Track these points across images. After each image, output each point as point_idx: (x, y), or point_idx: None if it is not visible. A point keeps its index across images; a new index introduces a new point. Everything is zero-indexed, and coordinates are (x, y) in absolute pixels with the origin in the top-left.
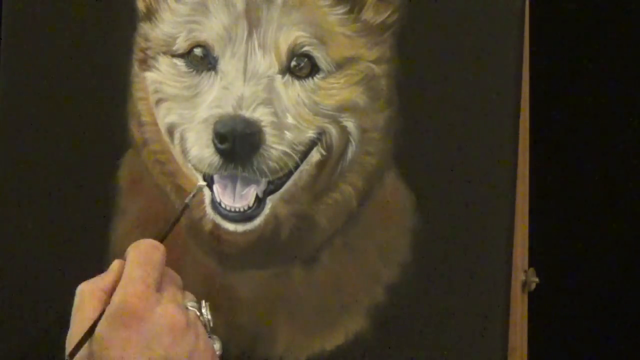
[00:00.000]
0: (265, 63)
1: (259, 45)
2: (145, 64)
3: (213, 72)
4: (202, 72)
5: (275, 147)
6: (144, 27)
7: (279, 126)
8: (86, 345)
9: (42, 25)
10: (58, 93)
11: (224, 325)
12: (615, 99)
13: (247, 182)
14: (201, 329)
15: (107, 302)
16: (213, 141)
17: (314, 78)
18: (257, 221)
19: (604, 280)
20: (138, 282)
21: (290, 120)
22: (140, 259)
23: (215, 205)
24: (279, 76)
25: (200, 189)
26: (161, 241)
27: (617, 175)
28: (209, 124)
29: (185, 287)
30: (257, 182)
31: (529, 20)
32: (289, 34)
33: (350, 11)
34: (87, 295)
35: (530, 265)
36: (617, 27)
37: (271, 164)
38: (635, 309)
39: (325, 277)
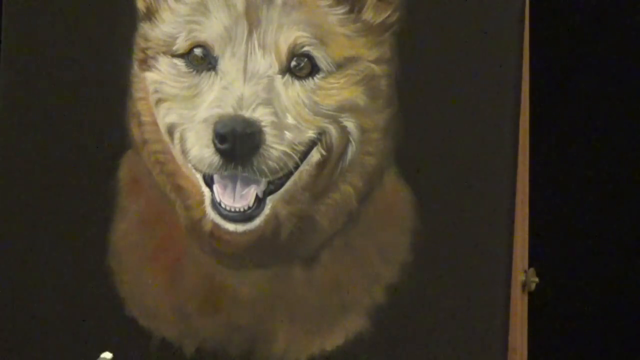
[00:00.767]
0: (265, 63)
1: (259, 45)
2: (145, 64)
3: (213, 72)
4: (202, 72)
5: (275, 147)
6: (144, 27)
7: (279, 126)
8: None
9: (42, 25)
10: (58, 93)
11: (224, 325)
12: (615, 99)
13: (247, 182)
14: None
15: None
16: (213, 141)
17: (314, 78)
18: (257, 221)
19: (604, 280)
20: None
21: (290, 120)
22: None
23: (216, 205)
24: (279, 76)
25: None
26: None
27: (617, 175)
28: (209, 124)
29: (185, 287)
30: (257, 182)
31: (529, 20)
32: (289, 34)
33: (350, 11)
34: None
35: (530, 265)
36: (617, 27)
37: (271, 164)
38: (635, 309)
39: (325, 277)
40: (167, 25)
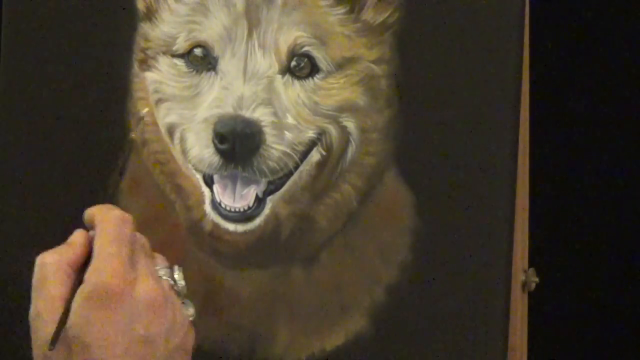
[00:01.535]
0: (265, 63)
1: (259, 45)
2: (145, 64)
3: (213, 72)
4: (202, 72)
5: (275, 147)
6: (144, 27)
7: (279, 126)
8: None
9: (42, 25)
10: (58, 93)
11: (224, 325)
12: (615, 99)
13: (247, 182)
14: (176, 300)
15: (75, 278)
16: (213, 141)
17: (314, 78)
18: (257, 221)
19: (604, 280)
20: (113, 260)
21: (290, 120)
22: (111, 234)
23: (216, 205)
24: (279, 76)
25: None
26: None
27: (617, 175)
28: (209, 124)
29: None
30: (257, 182)
31: (529, 20)
32: (289, 34)
33: (350, 11)
34: (51, 269)
35: (530, 265)
36: (617, 27)
37: (271, 164)
38: (635, 309)
39: (325, 277)
40: (167, 25)
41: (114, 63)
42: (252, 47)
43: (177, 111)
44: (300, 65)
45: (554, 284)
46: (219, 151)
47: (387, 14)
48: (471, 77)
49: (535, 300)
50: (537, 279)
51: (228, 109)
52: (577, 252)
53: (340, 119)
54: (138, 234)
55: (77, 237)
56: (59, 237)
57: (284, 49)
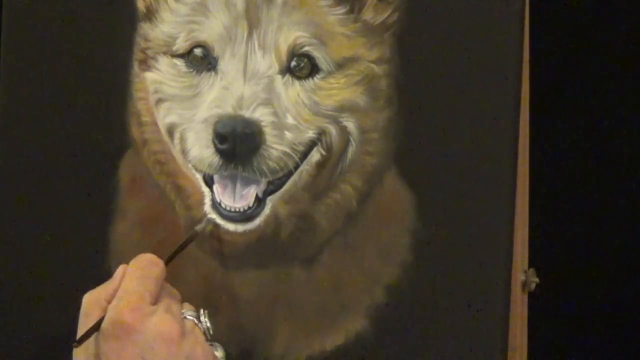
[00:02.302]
0: (265, 63)
1: (259, 45)
2: (145, 64)
3: (213, 72)
4: (202, 72)
5: (275, 147)
6: (144, 27)
7: (279, 126)
8: (83, 358)
9: (42, 25)
10: (58, 93)
11: (224, 325)
12: (615, 98)
13: (247, 182)
14: (200, 336)
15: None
16: (213, 141)
17: (314, 78)
18: (257, 221)
19: (604, 280)
20: (133, 295)
21: (290, 120)
22: (137, 272)
23: (216, 205)
24: (279, 76)
25: (210, 222)
26: (166, 264)
27: (617, 175)
28: (209, 124)
29: (185, 287)
30: (257, 182)
31: (529, 20)
32: (289, 34)
33: (350, 11)
34: (92, 305)
35: (530, 265)
36: (617, 27)
37: (271, 164)
38: (635, 309)
39: (325, 277)
40: (167, 25)
41: (114, 63)
42: (252, 47)
43: (177, 111)
44: (300, 65)
45: (554, 284)
46: (219, 151)
47: (387, 14)
48: (471, 77)
49: (535, 300)
50: (537, 279)
51: (228, 109)
52: (577, 252)
53: (340, 119)
54: (171, 287)
55: (119, 271)
56: (59, 237)
57: (284, 49)
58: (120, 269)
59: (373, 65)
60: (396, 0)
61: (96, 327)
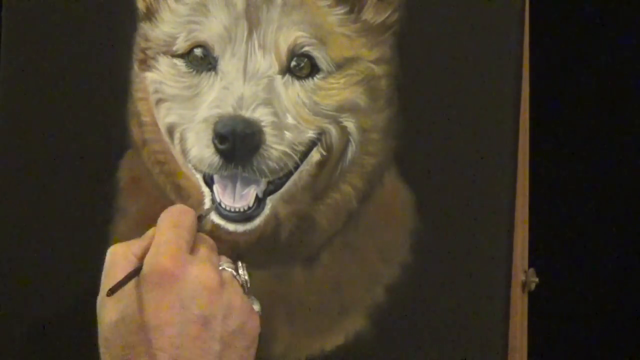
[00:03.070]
0: (265, 63)
1: (259, 45)
2: (145, 64)
3: (213, 72)
4: (202, 72)
5: (275, 147)
6: (144, 27)
7: (279, 126)
8: (117, 309)
9: (42, 25)
10: (58, 93)
11: None
12: (615, 98)
13: (247, 183)
14: (238, 287)
15: (137, 264)
16: (213, 141)
17: (314, 78)
18: (257, 221)
19: (604, 280)
20: (169, 244)
21: (290, 120)
22: (170, 222)
23: (216, 205)
24: (279, 76)
25: (209, 211)
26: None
27: (617, 175)
28: (209, 124)
29: None
30: (257, 182)
31: (529, 20)
32: (289, 34)
33: (350, 11)
34: (119, 258)
35: (530, 265)
36: (617, 27)
37: (271, 164)
38: (635, 309)
39: (325, 277)
40: (167, 26)
41: (114, 63)
42: (252, 47)
43: (177, 111)
44: (300, 65)
45: (554, 284)
46: (219, 151)
47: (387, 14)
48: (471, 77)
49: (535, 300)
50: (537, 279)
51: (228, 109)
52: (577, 252)
53: (340, 119)
54: (206, 236)
55: (149, 232)
56: (59, 237)
57: (284, 49)
58: (150, 230)
59: (373, 65)
60: (396, 0)
61: (133, 275)
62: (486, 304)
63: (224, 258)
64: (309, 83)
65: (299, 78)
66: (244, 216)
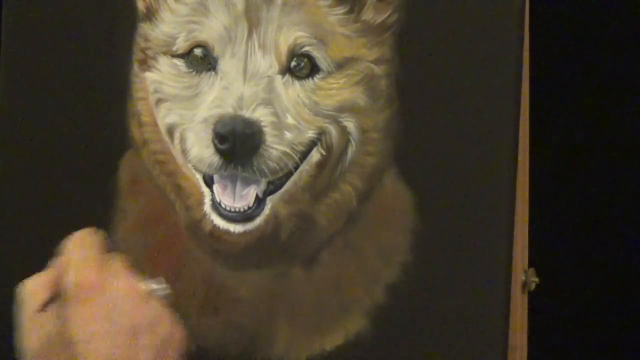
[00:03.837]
0: (265, 63)
1: (259, 45)
2: (145, 64)
3: (213, 72)
4: (202, 72)
5: (275, 147)
6: (144, 27)
7: (279, 126)
8: (41, 335)
9: (42, 25)
10: (58, 93)
11: (224, 325)
12: (615, 98)
13: (247, 182)
14: (157, 299)
15: (54, 291)
16: (213, 141)
17: (314, 78)
18: (257, 221)
19: (604, 280)
20: (81, 262)
21: (290, 120)
22: (76, 243)
23: (215, 205)
24: (279, 76)
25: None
26: None
27: (617, 175)
28: (209, 124)
29: (185, 287)
30: (257, 182)
31: (529, 20)
32: (289, 34)
33: (350, 11)
34: (34, 288)
35: (530, 265)
36: (617, 27)
37: (271, 164)
38: (635, 309)
39: (325, 277)
40: (167, 26)
41: (114, 63)
42: (252, 47)
43: (177, 111)
44: (300, 65)
45: (554, 284)
46: (219, 151)
47: (387, 14)
48: (471, 77)
49: (535, 300)
50: (537, 279)
51: (228, 109)
52: (577, 252)
53: (340, 119)
54: (117, 254)
55: (52, 263)
56: (60, 237)
57: (284, 49)
58: (54, 262)
59: (373, 65)
60: (396, 0)
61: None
62: (486, 304)
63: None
64: (309, 83)
65: (299, 78)
66: (244, 216)
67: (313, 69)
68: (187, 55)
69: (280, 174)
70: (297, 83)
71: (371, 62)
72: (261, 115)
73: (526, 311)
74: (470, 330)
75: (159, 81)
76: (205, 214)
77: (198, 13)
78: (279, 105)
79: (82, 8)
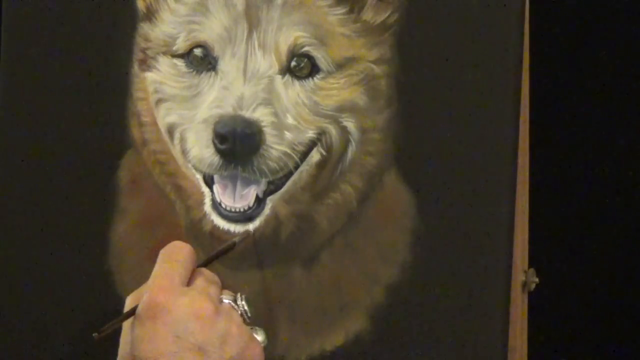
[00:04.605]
0: (265, 63)
1: (259, 45)
2: (145, 64)
3: (213, 72)
4: (202, 72)
5: (275, 147)
6: (144, 27)
7: (279, 126)
8: (123, 347)
9: (42, 25)
10: (58, 93)
11: None
12: (615, 98)
13: (247, 183)
14: (235, 316)
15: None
16: (213, 141)
17: (314, 78)
18: (257, 221)
19: (604, 280)
20: (162, 277)
21: (290, 120)
22: (164, 257)
23: (216, 205)
24: (279, 76)
25: (249, 234)
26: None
27: (617, 175)
28: (209, 124)
29: None
30: (257, 183)
31: (529, 20)
32: (289, 34)
33: (350, 11)
34: (130, 305)
35: (530, 265)
36: (617, 27)
37: (271, 164)
38: (635, 309)
39: (325, 277)
40: (167, 26)
41: (114, 63)
42: (252, 47)
43: (177, 111)
44: (300, 65)
45: (554, 284)
46: (219, 151)
47: (387, 14)
48: (471, 77)
49: (535, 300)
50: (537, 279)
51: (228, 109)
52: (577, 252)
53: (340, 119)
54: (209, 272)
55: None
56: (59, 237)
57: (284, 49)
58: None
59: (373, 65)
60: (396, 0)
61: (123, 318)
62: (486, 304)
63: (225, 291)
64: (309, 83)
65: (299, 78)
66: (244, 216)
67: (313, 69)
68: (187, 55)
69: (281, 174)
70: (297, 83)
71: (371, 62)
72: (261, 115)
73: (526, 311)
74: (470, 330)
75: (159, 81)
76: (205, 214)
77: (198, 13)
78: (279, 106)
79: (82, 8)
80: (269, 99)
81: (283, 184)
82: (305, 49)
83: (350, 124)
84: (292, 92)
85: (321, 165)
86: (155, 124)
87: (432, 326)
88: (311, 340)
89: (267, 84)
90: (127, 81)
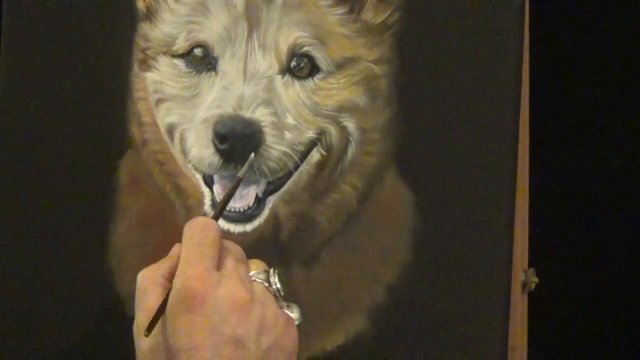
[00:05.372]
0: (265, 63)
1: (259, 45)
2: (145, 64)
3: (213, 72)
4: (202, 72)
5: (275, 147)
6: (144, 27)
7: (279, 126)
8: (153, 335)
9: (42, 25)
10: (58, 93)
11: None
12: (615, 98)
13: (247, 183)
14: (269, 300)
15: (168, 287)
16: (213, 141)
17: (314, 78)
18: (257, 221)
19: (604, 280)
20: (195, 264)
21: (290, 120)
22: (194, 239)
23: (215, 205)
24: (279, 76)
25: (250, 163)
26: (216, 219)
27: (617, 175)
28: (209, 124)
29: None
30: (257, 183)
31: (529, 20)
32: (289, 34)
33: (350, 11)
34: (148, 284)
35: (530, 265)
36: (616, 27)
37: (271, 164)
38: (635, 309)
39: (325, 277)
40: (167, 26)
41: (114, 63)
42: (252, 47)
43: (177, 111)
44: (300, 66)
45: (554, 284)
46: (219, 151)
47: (387, 15)
48: (471, 77)
49: (535, 300)
50: (537, 279)
51: (228, 109)
52: (577, 252)
53: (340, 119)
54: (229, 242)
55: (174, 250)
56: (59, 237)
57: (284, 49)
58: (175, 247)
59: (373, 65)
60: (396, 0)
61: (163, 309)
62: (486, 304)
63: (254, 266)
64: (309, 83)
65: (299, 78)
66: (244, 216)
67: (313, 69)
68: (187, 55)
69: (280, 174)
70: (297, 83)
71: (371, 62)
72: (261, 115)
73: (526, 311)
74: (470, 330)
75: (159, 81)
76: (205, 214)
77: (198, 13)
78: (279, 106)
79: (82, 8)
80: (269, 99)
81: (283, 184)
82: (305, 49)
83: (350, 124)
84: (292, 92)
85: (321, 165)
86: (155, 124)
87: (432, 326)
88: (311, 340)
89: (267, 84)
90: (127, 81)
